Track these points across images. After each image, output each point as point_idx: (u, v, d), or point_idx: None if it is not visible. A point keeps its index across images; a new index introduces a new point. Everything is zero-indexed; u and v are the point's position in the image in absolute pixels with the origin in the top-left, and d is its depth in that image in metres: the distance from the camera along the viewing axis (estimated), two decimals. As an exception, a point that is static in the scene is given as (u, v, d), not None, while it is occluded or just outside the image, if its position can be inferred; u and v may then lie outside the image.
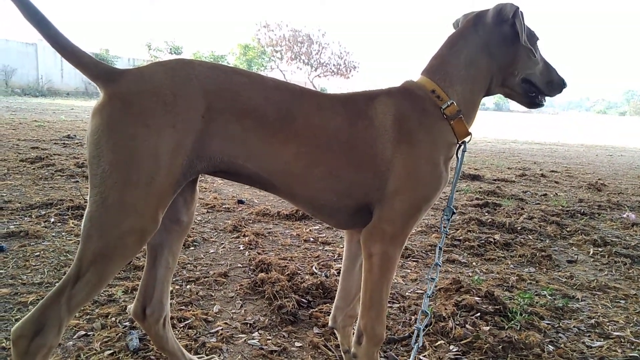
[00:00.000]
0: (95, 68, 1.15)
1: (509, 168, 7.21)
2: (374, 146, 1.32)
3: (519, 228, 3.53)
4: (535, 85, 1.51)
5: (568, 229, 3.63)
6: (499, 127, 22.06)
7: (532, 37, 1.50)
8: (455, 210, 1.53)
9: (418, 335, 1.43)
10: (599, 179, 6.30)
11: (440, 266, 1.53)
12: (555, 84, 1.52)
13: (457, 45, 1.45)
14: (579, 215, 4.12)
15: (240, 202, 3.95)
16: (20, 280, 2.14)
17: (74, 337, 1.72)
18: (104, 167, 1.08)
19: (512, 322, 2.00)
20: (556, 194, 5.16)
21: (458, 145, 1.46)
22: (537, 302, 2.25)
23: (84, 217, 1.12)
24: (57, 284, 1.13)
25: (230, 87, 1.23)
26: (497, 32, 1.44)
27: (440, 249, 1.53)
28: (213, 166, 1.22)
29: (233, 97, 1.22)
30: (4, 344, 1.63)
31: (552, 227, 3.64)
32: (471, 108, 1.47)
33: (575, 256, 3.04)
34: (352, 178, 1.32)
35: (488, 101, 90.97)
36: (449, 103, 1.40)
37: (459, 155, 1.49)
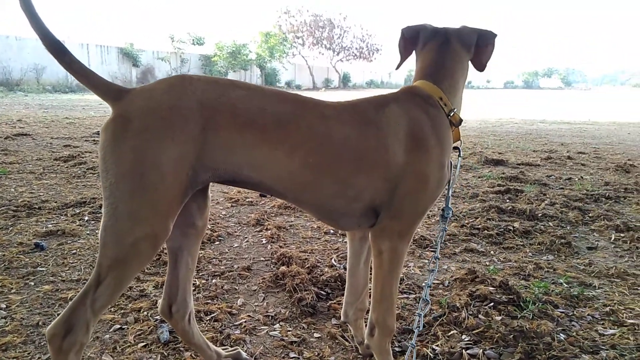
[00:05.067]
0: (104, 88, 1.25)
1: (534, 151, 7.11)
2: (386, 153, 1.38)
3: (540, 215, 3.53)
4: None
5: (590, 215, 3.61)
6: (527, 106, 21.54)
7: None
8: (450, 214, 1.65)
9: (419, 321, 1.54)
10: (628, 160, 6.14)
11: (434, 271, 1.63)
12: None
13: (458, 59, 1.58)
14: (604, 199, 4.07)
15: (263, 195, 4.06)
16: (60, 277, 2.31)
17: (110, 330, 1.87)
18: (111, 179, 1.17)
19: (525, 311, 2.05)
20: (581, 177, 5.08)
21: (454, 149, 1.60)
22: (552, 291, 2.28)
23: (100, 226, 1.21)
24: (82, 288, 1.24)
25: (228, 100, 1.26)
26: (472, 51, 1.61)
27: (437, 258, 1.63)
28: (218, 176, 1.28)
29: (231, 110, 1.25)
30: (48, 338, 1.79)
31: (574, 212, 3.63)
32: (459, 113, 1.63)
33: (596, 242, 3.03)
34: (362, 184, 1.38)
35: (517, 79, 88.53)
36: (454, 111, 1.53)
37: (458, 163, 1.67)
